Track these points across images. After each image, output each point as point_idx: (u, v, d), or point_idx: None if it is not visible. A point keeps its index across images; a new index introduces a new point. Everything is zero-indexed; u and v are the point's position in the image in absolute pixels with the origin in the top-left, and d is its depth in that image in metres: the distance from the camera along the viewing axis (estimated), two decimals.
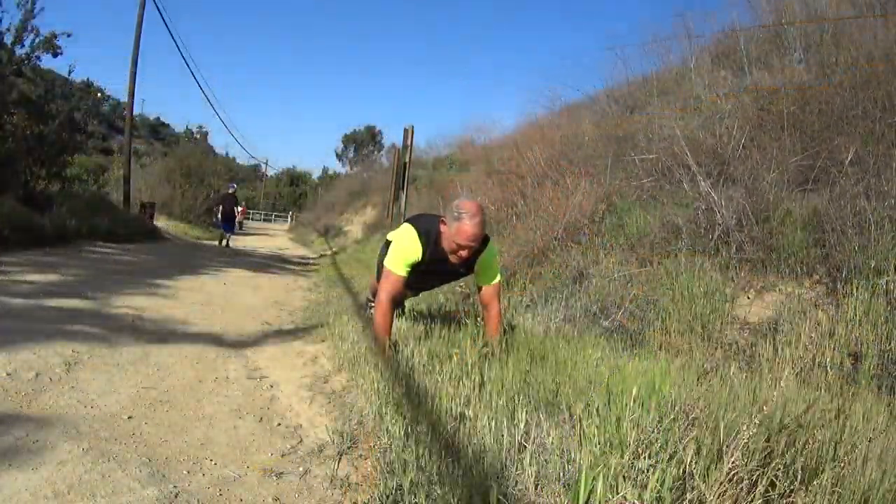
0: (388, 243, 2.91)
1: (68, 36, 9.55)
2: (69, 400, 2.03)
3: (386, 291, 2.63)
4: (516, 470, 1.50)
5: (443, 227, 2.58)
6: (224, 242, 12.47)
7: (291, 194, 52.52)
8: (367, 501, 1.50)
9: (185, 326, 3.51)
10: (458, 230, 2.48)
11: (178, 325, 3.50)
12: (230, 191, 13.48)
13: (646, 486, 1.26)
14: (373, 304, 3.08)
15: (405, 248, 2.64)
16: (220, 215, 12.62)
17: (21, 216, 6.79)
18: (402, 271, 2.64)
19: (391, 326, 2.67)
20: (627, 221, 4.51)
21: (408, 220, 2.76)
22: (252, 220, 37.87)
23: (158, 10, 15.81)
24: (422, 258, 2.63)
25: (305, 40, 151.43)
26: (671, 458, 1.35)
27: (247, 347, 3.23)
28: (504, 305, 3.52)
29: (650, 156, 5.18)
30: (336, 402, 2.38)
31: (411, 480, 1.45)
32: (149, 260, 7.45)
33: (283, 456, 1.83)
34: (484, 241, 2.62)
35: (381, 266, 2.89)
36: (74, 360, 2.47)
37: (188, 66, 67.29)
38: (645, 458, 1.39)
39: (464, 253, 2.52)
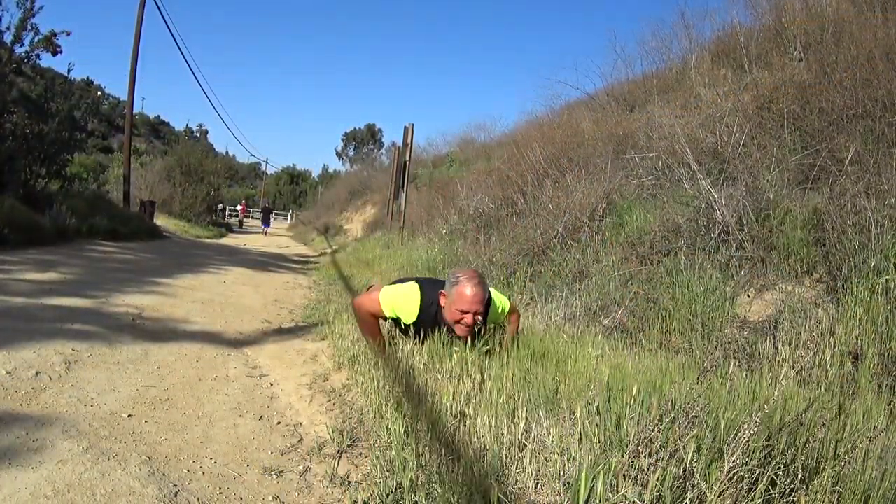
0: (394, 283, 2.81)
1: (68, 34, 9.56)
2: (69, 398, 2.03)
3: (366, 308, 2.57)
4: (516, 468, 1.50)
5: (442, 300, 2.43)
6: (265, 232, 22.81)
7: (291, 192, 52.56)
8: (367, 500, 1.50)
9: (185, 325, 3.51)
10: (458, 296, 2.33)
11: (178, 324, 3.50)
12: (266, 204, 29.13)
13: (646, 485, 1.26)
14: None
15: (402, 301, 2.51)
16: (262, 219, 25.75)
17: (21, 215, 6.78)
18: (387, 311, 2.52)
19: (378, 327, 2.65)
20: (627, 220, 4.50)
21: (417, 280, 2.62)
22: (252, 217, 37.83)
23: (159, 8, 15.76)
24: (415, 320, 2.50)
25: (306, 39, 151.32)
26: (671, 456, 1.35)
27: (247, 346, 3.23)
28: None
29: (650, 154, 5.18)
30: (336, 400, 2.38)
31: (411, 479, 1.45)
32: (149, 258, 7.44)
33: (282, 454, 1.83)
34: (488, 298, 2.45)
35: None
36: (74, 358, 2.47)
37: (188, 64, 67.22)
38: (645, 456, 1.39)
39: (468, 319, 2.33)
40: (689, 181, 4.26)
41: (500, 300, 2.60)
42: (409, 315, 2.50)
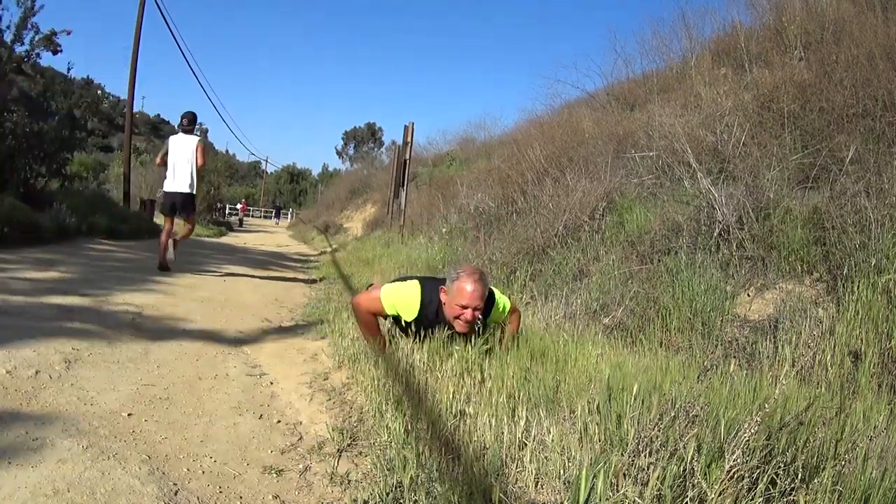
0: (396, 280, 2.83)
1: (68, 33, 9.56)
2: (69, 397, 2.03)
3: (366, 306, 2.58)
4: (517, 467, 1.50)
5: (442, 296, 2.45)
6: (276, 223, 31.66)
7: (292, 191, 52.60)
8: (366, 499, 1.50)
9: (185, 323, 3.51)
10: (458, 291, 2.35)
11: (177, 323, 3.50)
12: (277, 203, 43.72)
13: (647, 484, 1.26)
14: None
15: (403, 298, 2.53)
16: (273, 213, 40.76)
17: (21, 213, 6.77)
18: (388, 309, 2.54)
19: (378, 326, 2.66)
20: (628, 219, 4.50)
21: (418, 279, 2.62)
22: (252, 216, 37.87)
23: (159, 7, 15.74)
24: (416, 317, 2.51)
25: (306, 38, 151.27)
26: (672, 455, 1.35)
27: (247, 344, 3.23)
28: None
29: (650, 153, 5.17)
30: (336, 398, 2.38)
31: (411, 478, 1.45)
32: (149, 257, 7.42)
33: (282, 453, 1.83)
34: (489, 297, 2.47)
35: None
36: (74, 357, 2.47)
37: (188, 63, 67.20)
38: (646, 455, 1.39)
39: (468, 315, 2.35)
40: (689, 180, 4.26)
41: (502, 299, 2.62)
42: (410, 312, 2.51)
